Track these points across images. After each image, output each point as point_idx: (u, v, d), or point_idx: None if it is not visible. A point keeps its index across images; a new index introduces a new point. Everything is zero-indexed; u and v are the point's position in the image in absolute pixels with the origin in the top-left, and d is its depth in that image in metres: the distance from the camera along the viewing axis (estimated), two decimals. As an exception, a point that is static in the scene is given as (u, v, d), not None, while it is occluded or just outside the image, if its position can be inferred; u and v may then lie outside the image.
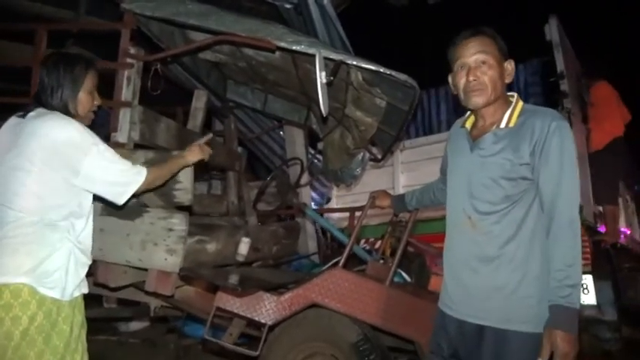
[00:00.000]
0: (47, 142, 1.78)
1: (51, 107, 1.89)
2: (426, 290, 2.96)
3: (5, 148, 1.84)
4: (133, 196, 2.03)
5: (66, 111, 1.91)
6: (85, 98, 1.97)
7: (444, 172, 2.11)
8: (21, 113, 1.90)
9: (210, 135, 2.64)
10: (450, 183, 1.90)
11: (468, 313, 1.73)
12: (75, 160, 1.82)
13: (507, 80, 1.75)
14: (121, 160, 1.96)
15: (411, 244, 3.33)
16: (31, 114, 1.88)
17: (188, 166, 2.44)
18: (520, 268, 1.65)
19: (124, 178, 1.95)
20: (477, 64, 1.71)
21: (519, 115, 1.70)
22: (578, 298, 1.56)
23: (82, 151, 1.82)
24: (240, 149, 4.21)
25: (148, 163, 2.73)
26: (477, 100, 1.73)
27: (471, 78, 1.72)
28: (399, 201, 2.56)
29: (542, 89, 5.61)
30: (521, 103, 1.75)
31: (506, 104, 1.75)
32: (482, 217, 1.71)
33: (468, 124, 1.85)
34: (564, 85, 4.47)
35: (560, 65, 4.50)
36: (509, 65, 1.76)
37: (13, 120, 1.91)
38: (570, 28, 4.76)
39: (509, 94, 1.78)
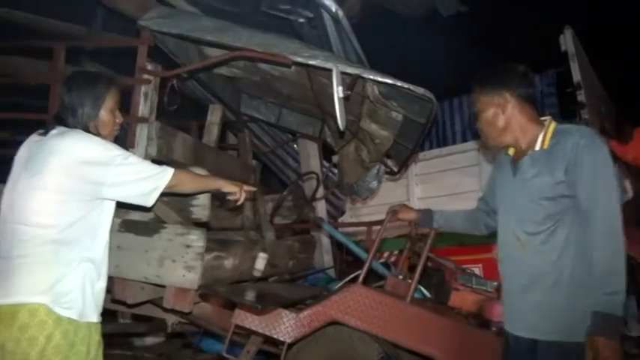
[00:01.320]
0: (68, 159, 1.77)
1: (72, 126, 1.89)
2: (447, 306, 2.91)
3: (24, 165, 1.84)
4: (150, 209, 2.01)
5: (86, 130, 1.91)
6: (107, 117, 1.96)
7: (485, 198, 2.24)
8: (42, 131, 1.90)
9: (255, 189, 2.57)
10: (499, 207, 2.01)
11: (521, 327, 1.83)
12: (100, 174, 1.81)
13: (508, 109, 1.86)
14: (145, 162, 1.97)
15: (430, 259, 3.28)
16: (53, 132, 1.87)
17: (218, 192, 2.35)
18: (569, 283, 1.72)
19: (151, 178, 1.91)
20: (478, 116, 1.95)
21: (552, 137, 1.80)
22: (620, 306, 1.60)
23: (105, 164, 1.81)
24: (254, 162, 4.21)
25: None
26: (490, 144, 1.97)
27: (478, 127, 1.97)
28: (426, 216, 2.52)
29: (557, 100, 5.56)
30: (553, 124, 1.85)
31: (540, 127, 1.85)
32: (530, 237, 1.80)
33: (511, 151, 1.97)
34: (581, 96, 4.44)
35: (576, 76, 4.47)
36: (500, 98, 1.86)
37: (34, 137, 1.91)
38: (584, 37, 4.73)
39: (543, 118, 1.89)
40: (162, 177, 1.93)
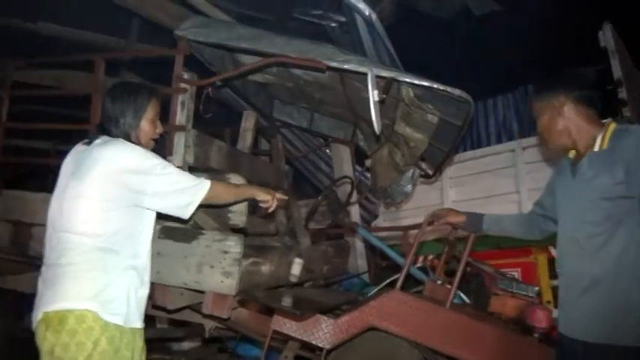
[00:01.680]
0: (110, 168, 1.82)
1: (115, 135, 1.94)
2: (486, 312, 2.84)
3: (70, 174, 1.89)
4: (189, 220, 2.03)
5: (128, 139, 1.95)
6: (148, 127, 2.01)
7: (541, 202, 2.23)
8: (87, 140, 1.95)
9: (286, 197, 2.59)
10: (559, 210, 2.01)
11: (577, 330, 1.82)
12: (141, 183, 1.85)
13: (564, 112, 1.87)
14: (184, 173, 2.01)
15: (469, 264, 3.22)
16: (97, 141, 1.92)
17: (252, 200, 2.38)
18: (629, 286, 1.72)
19: (188, 190, 1.96)
20: (536, 121, 1.99)
21: (611, 137, 1.79)
22: None
23: (145, 173, 1.86)
24: (286, 168, 4.22)
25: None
26: (550, 148, 1.99)
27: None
28: (475, 220, 2.48)
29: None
30: (613, 125, 1.84)
31: (599, 128, 1.85)
32: (589, 239, 1.79)
33: (571, 154, 1.98)
34: (622, 93, 4.29)
35: (617, 73, 4.32)
36: (556, 102, 1.88)
37: (79, 147, 1.97)
38: (625, 33, 4.57)
39: (604, 120, 1.89)
40: (199, 190, 1.98)
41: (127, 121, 1.96)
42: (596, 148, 1.82)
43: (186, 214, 1.99)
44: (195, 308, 2.84)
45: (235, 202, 2.43)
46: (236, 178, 2.80)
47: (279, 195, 2.33)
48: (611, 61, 4.32)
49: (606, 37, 4.35)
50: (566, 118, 1.87)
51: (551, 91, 1.91)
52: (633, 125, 1.87)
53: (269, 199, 2.26)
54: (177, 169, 2.01)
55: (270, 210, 2.31)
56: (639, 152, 1.68)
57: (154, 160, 1.90)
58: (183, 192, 1.94)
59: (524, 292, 2.78)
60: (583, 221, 1.82)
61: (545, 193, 2.19)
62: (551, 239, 2.16)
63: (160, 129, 2.09)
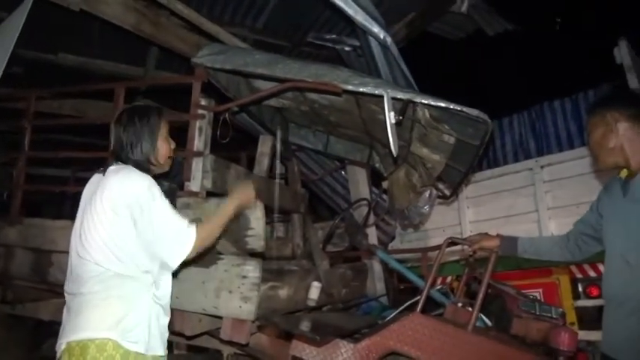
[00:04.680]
0: (115, 195, 1.83)
1: (133, 162, 1.96)
2: (510, 335, 2.77)
3: (87, 202, 1.92)
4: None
5: (147, 163, 1.97)
6: (163, 146, 2.05)
7: (585, 220, 2.19)
8: (102, 169, 1.98)
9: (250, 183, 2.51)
10: (607, 229, 1.99)
11: (623, 352, 1.81)
12: (136, 213, 1.84)
13: (618, 129, 1.85)
14: (178, 218, 1.93)
15: (490, 285, 3.15)
16: (110, 169, 1.95)
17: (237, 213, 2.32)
18: None
19: (179, 238, 1.90)
20: (588, 139, 1.98)
21: None
22: None
23: (140, 206, 1.84)
24: (302, 191, 4.23)
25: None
26: (600, 166, 1.96)
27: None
28: (510, 244, 2.48)
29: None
30: None
31: None
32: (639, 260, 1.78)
33: (623, 173, 1.95)
34: (641, 109, 4.24)
35: (634, 88, 4.28)
36: (610, 118, 1.86)
37: (95, 177, 2.00)
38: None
39: None
40: (187, 242, 1.90)
41: (144, 145, 1.98)
42: None
43: (173, 263, 1.91)
44: (214, 334, 2.82)
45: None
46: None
47: (243, 188, 2.34)
48: (627, 76, 4.29)
49: (622, 53, 4.33)
50: (620, 135, 1.85)
51: (605, 107, 1.89)
52: None
53: (241, 201, 2.27)
54: (173, 213, 1.93)
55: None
56: None
57: (154, 194, 1.87)
58: (170, 243, 1.88)
59: (549, 314, 2.71)
60: (634, 242, 1.79)
61: (590, 212, 2.16)
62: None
63: (173, 144, 2.11)
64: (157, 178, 2.04)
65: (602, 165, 1.96)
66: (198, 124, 2.94)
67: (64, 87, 4.50)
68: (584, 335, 3.62)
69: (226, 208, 2.20)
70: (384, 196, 5.03)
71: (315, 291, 3.02)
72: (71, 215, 2.05)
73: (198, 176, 2.85)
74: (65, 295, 1.91)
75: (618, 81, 4.54)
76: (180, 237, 1.90)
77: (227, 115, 3.20)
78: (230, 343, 2.75)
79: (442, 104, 2.56)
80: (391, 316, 3.24)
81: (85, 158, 3.90)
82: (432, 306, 3.25)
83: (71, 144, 5.63)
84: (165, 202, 1.91)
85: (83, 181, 2.08)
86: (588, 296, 3.95)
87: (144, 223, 1.84)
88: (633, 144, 1.84)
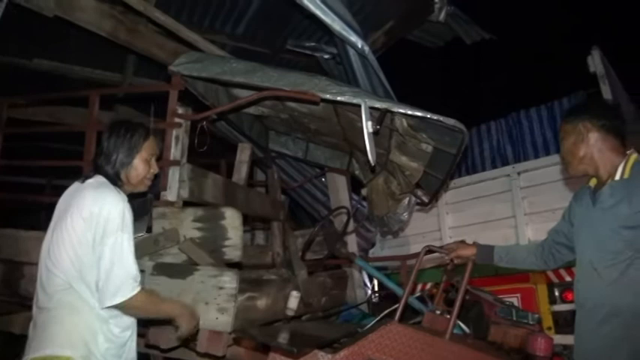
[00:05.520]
0: (86, 214, 1.78)
1: (104, 172, 1.92)
2: (487, 342, 2.79)
3: (61, 214, 1.87)
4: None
5: (117, 178, 1.93)
6: (141, 166, 1.99)
7: (558, 229, 2.22)
8: (81, 179, 1.94)
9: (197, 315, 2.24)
10: (577, 238, 2.02)
11: (591, 359, 1.85)
12: (98, 236, 1.77)
13: (589, 139, 1.90)
14: (133, 262, 1.84)
15: (468, 292, 3.17)
16: (89, 181, 1.91)
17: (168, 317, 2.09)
18: None
19: (121, 282, 1.78)
20: (560, 144, 2.01)
21: (632, 167, 1.82)
22: None
23: (105, 230, 1.77)
24: (282, 198, 4.21)
25: (197, 221, 2.77)
26: (570, 172, 2.00)
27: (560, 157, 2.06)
28: (486, 252, 2.49)
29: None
30: (635, 155, 1.87)
31: (622, 158, 1.87)
32: (608, 268, 1.81)
33: (592, 182, 1.99)
34: (615, 117, 4.32)
35: (607, 97, 4.36)
36: (583, 127, 1.90)
37: (74, 186, 1.95)
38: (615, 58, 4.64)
39: (628, 152, 1.91)
40: (127, 289, 1.79)
41: (120, 158, 1.94)
42: (618, 177, 1.83)
43: (104, 302, 1.77)
44: (190, 346, 2.78)
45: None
46: (231, 212, 2.79)
47: (195, 321, 2.12)
48: (601, 86, 4.37)
49: (595, 61, 4.41)
50: (590, 145, 1.90)
51: (578, 116, 1.93)
52: None
53: (184, 326, 2.02)
54: (130, 253, 1.83)
55: (182, 337, 2.11)
56: None
57: (122, 225, 1.80)
58: (113, 280, 1.77)
59: (525, 320, 2.74)
60: (602, 250, 1.83)
61: (562, 221, 2.19)
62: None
63: (154, 169, 2.05)
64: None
65: (572, 172, 2.00)
66: (174, 132, 2.90)
67: (39, 93, 4.41)
68: (560, 339, 3.67)
69: (172, 305, 2.07)
70: (364, 203, 5.05)
71: (293, 300, 2.99)
72: (46, 225, 1.99)
73: (175, 186, 2.81)
74: (33, 308, 1.86)
75: (592, 89, 4.63)
76: (123, 282, 1.78)
77: (205, 123, 3.17)
78: (207, 355, 2.71)
79: (419, 114, 2.58)
80: (370, 324, 3.24)
81: (62, 166, 3.82)
82: (412, 313, 3.26)
83: (47, 151, 5.51)
84: (130, 238, 1.83)
85: (60, 189, 2.02)
86: (564, 301, 4.02)
87: (101, 247, 1.77)
88: (603, 154, 1.88)
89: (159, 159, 2.19)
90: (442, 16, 4.52)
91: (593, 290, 1.86)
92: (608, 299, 1.79)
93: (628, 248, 1.75)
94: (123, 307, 1.81)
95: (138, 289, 1.82)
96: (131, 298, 1.79)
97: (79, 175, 2.00)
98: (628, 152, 1.88)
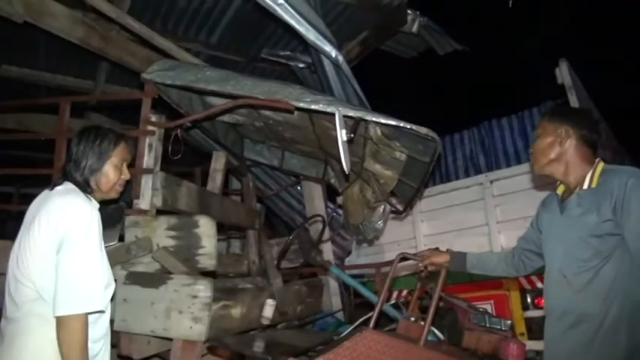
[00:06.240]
0: (52, 222, 1.72)
1: (73, 179, 1.87)
2: (461, 348, 2.82)
3: (29, 222, 1.82)
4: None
5: (87, 184, 1.89)
6: (112, 172, 1.94)
7: (527, 237, 2.25)
8: (50, 187, 1.89)
9: None
10: (545, 245, 2.04)
11: None
12: (60, 242, 1.71)
13: (565, 143, 1.92)
14: (95, 273, 1.73)
15: (442, 298, 3.21)
16: (58, 188, 1.86)
17: None
18: (615, 322, 1.73)
19: (82, 293, 1.67)
20: (534, 140, 2.01)
21: (600, 176, 1.84)
22: None
23: (69, 238, 1.70)
24: (258, 206, 4.20)
25: (170, 229, 2.74)
26: (536, 170, 2.01)
27: (530, 150, 2.05)
28: (459, 260, 2.51)
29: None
30: (602, 164, 1.89)
31: (590, 166, 1.90)
32: (577, 275, 1.82)
33: (559, 190, 2.01)
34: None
35: (574, 106, 4.48)
36: (563, 131, 1.92)
37: (43, 194, 1.90)
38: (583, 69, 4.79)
39: (597, 160, 1.93)
40: (85, 303, 1.67)
41: (89, 164, 1.89)
42: (585, 186, 1.86)
43: (57, 310, 1.64)
44: (164, 356, 2.74)
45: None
46: (205, 220, 2.77)
47: None
48: (568, 96, 4.49)
49: (563, 73, 4.53)
50: (565, 149, 1.92)
51: (562, 119, 1.95)
52: (621, 166, 1.91)
53: None
54: (95, 264, 1.73)
55: None
56: (627, 191, 1.71)
57: (88, 234, 1.73)
58: (71, 289, 1.66)
59: (498, 327, 2.78)
60: (571, 258, 1.85)
61: (531, 229, 2.22)
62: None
63: (126, 176, 2.01)
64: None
65: (538, 170, 2.01)
66: (147, 140, 2.88)
67: (8, 100, 4.31)
68: (533, 345, 3.73)
69: None
70: (340, 211, 5.06)
71: (269, 309, 2.98)
72: (15, 235, 1.93)
73: (148, 194, 2.78)
74: (2, 321, 1.79)
75: (561, 100, 4.76)
76: (85, 293, 1.67)
77: (179, 131, 3.15)
78: (181, 365, 2.67)
79: (393, 122, 2.61)
80: (345, 332, 3.24)
81: (31, 174, 3.73)
82: (387, 321, 3.28)
83: (15, 159, 5.38)
84: (94, 248, 1.74)
85: (29, 198, 1.97)
86: (536, 307, 4.08)
87: (60, 255, 1.69)
88: (574, 162, 1.91)
89: (131, 165, 2.14)
90: (415, 28, 4.61)
91: (562, 297, 1.88)
92: (576, 306, 1.82)
93: (596, 256, 1.78)
94: (61, 324, 1.64)
95: (86, 309, 1.66)
96: (71, 317, 1.63)
97: (49, 183, 1.95)
98: (596, 160, 1.91)
